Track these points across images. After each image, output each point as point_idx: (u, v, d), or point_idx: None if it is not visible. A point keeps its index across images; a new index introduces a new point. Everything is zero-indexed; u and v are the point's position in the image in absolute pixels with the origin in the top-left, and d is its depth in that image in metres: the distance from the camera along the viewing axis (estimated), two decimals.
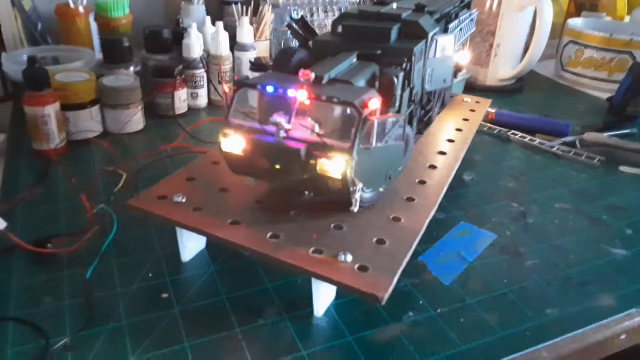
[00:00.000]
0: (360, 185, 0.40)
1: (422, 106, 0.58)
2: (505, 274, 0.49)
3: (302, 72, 0.39)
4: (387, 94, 0.46)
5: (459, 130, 0.66)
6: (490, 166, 0.70)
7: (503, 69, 0.95)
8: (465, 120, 0.69)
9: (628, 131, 0.81)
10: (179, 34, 0.81)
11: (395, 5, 0.58)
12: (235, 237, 0.42)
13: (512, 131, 0.79)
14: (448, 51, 0.56)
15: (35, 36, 0.86)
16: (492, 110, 0.82)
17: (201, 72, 0.79)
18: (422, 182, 0.53)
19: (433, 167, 0.56)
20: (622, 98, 0.87)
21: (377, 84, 0.46)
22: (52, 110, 0.63)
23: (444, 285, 0.47)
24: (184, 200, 0.46)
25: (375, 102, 0.38)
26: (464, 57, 0.73)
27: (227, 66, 0.82)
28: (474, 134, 0.66)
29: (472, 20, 0.69)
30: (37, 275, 0.46)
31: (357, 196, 0.42)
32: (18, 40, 0.82)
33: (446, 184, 0.53)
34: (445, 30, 0.57)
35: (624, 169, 0.70)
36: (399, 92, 0.47)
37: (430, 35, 0.53)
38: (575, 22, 1.04)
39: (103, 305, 0.43)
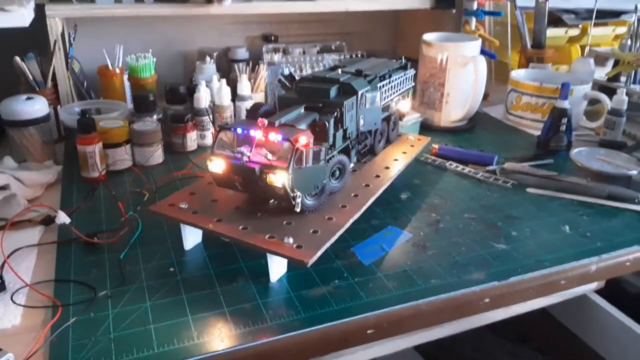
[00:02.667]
0: (298, 193, 0.62)
1: (358, 141, 0.80)
2: (410, 259, 0.70)
3: (259, 120, 0.62)
4: (322, 133, 0.68)
5: (396, 160, 0.87)
6: (425, 188, 0.91)
7: (454, 112, 1.17)
8: (404, 152, 0.91)
9: (545, 161, 1.01)
10: (192, 89, 1.06)
11: (340, 71, 0.81)
12: (218, 228, 0.64)
13: (450, 162, 1.00)
14: (375, 103, 0.78)
15: (82, 92, 1.12)
16: (436, 146, 1.04)
17: (207, 118, 1.03)
18: (356, 195, 0.74)
19: (367, 185, 0.77)
20: (545, 135, 1.07)
21: (316, 127, 0.69)
22: (96, 148, 0.86)
23: (364, 265, 0.68)
24: (186, 206, 0.69)
25: (304, 138, 0.61)
26: (405, 105, 0.95)
27: (227, 113, 1.06)
28: (410, 163, 0.88)
29: (407, 78, 0.92)
30: (88, 256, 0.68)
31: (298, 200, 0.64)
32: (70, 95, 1.07)
33: (373, 196, 0.74)
34: (375, 89, 0.80)
35: (530, 190, 0.90)
36: (331, 132, 0.69)
37: (360, 92, 0.75)
38: (517, 73, 1.25)
39: (131, 274, 0.65)
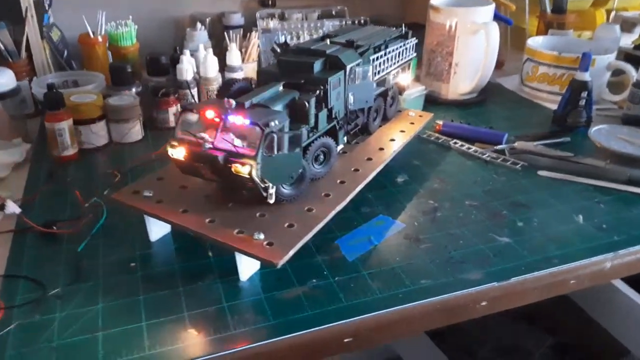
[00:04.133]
0: (270, 183, 0.55)
1: (347, 121, 0.71)
2: (400, 254, 0.62)
3: (225, 101, 0.54)
4: (301, 114, 0.60)
5: (392, 140, 0.79)
6: (424, 170, 0.82)
7: (462, 84, 1.07)
8: (402, 131, 0.82)
9: (561, 140, 0.92)
10: (176, 59, 0.98)
11: (328, 42, 0.72)
12: (182, 221, 0.57)
13: (454, 140, 0.91)
14: (367, 78, 0.69)
15: (61, 63, 1.05)
16: (440, 122, 0.95)
17: (190, 92, 0.95)
18: (342, 182, 0.67)
19: (356, 170, 0.70)
20: (562, 110, 0.98)
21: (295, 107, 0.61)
22: (65, 125, 0.80)
23: (348, 261, 0.61)
24: (151, 194, 0.62)
25: (276, 122, 0.53)
26: (405, 79, 0.86)
27: (214, 85, 0.98)
28: (408, 143, 0.79)
29: (406, 48, 0.82)
30: (43, 248, 0.62)
31: (271, 191, 0.57)
32: (46, 66, 1.00)
33: (361, 183, 0.66)
34: (367, 62, 0.71)
35: (541, 172, 0.81)
36: (312, 113, 0.61)
37: (349, 66, 0.67)
38: (534, 41, 1.14)
39: (88, 270, 0.59)
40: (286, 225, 0.57)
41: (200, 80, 0.98)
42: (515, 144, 0.88)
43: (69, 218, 0.67)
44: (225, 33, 1.09)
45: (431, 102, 1.09)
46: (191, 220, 0.57)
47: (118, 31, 1.00)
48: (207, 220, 0.57)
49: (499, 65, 1.33)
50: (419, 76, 1.14)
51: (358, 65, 0.69)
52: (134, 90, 0.92)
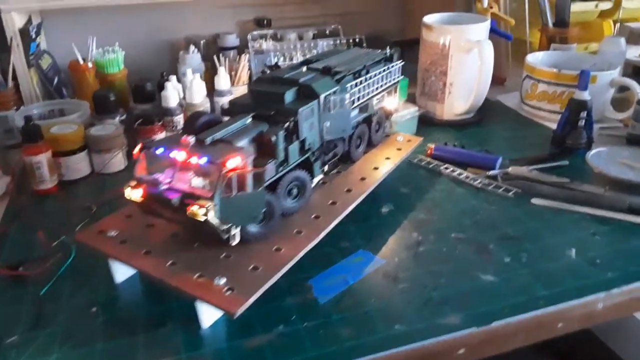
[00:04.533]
0: (230, 225, 0.52)
1: (324, 151, 0.68)
2: (376, 294, 0.59)
3: (182, 138, 0.52)
4: (268, 148, 0.57)
5: (375, 168, 0.76)
6: (412, 198, 0.79)
7: (457, 104, 1.04)
8: (388, 158, 0.79)
9: (559, 163, 0.87)
10: (163, 86, 0.96)
11: (304, 68, 0.70)
12: (141, 264, 0.55)
13: (446, 165, 0.87)
14: (345, 106, 0.67)
15: (50, 91, 1.04)
16: (432, 145, 0.91)
17: (178, 118, 0.94)
18: (317, 217, 0.64)
19: (333, 203, 0.67)
20: (561, 131, 0.93)
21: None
22: (43, 158, 0.78)
23: (320, 303, 0.58)
24: (115, 234, 0.60)
25: (236, 160, 0.50)
26: (391, 102, 0.83)
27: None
28: (393, 170, 0.76)
29: (391, 71, 0.79)
30: (7, 291, 0.60)
31: (234, 232, 0.54)
32: (34, 95, 1.00)
33: (336, 218, 0.63)
34: (344, 89, 0.68)
35: (535, 201, 0.77)
36: (281, 146, 0.58)
37: (323, 95, 0.64)
38: (534, 57, 1.10)
39: (48, 315, 0.56)
40: (251, 267, 0.54)
41: (186, 106, 0.96)
42: (509, 169, 0.84)
43: (38, 257, 0.66)
44: (215, 56, 1.08)
45: (426, 123, 1.06)
46: (152, 264, 0.55)
47: (105, 58, 0.99)
48: (168, 263, 0.55)
49: (500, 81, 1.30)
50: (414, 96, 1.11)
51: (334, 93, 0.66)
52: (117, 118, 0.90)
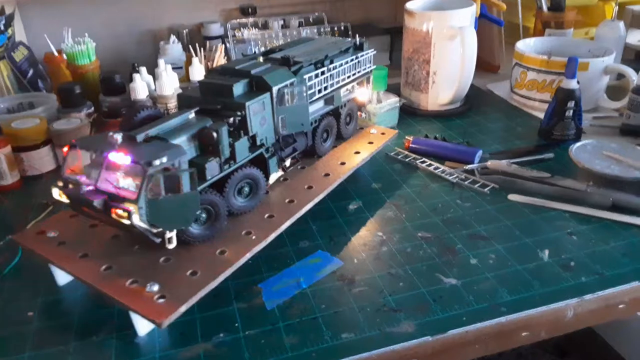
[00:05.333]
0: (161, 229, 0.49)
1: (282, 147, 0.65)
2: (328, 300, 0.55)
3: (109, 135, 0.48)
4: (209, 145, 0.54)
5: (342, 163, 0.72)
6: (383, 195, 0.75)
7: (442, 94, 0.99)
8: (357, 153, 0.75)
9: (543, 156, 0.82)
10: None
11: (261, 59, 0.66)
12: (75, 268, 0.52)
13: (423, 159, 0.83)
14: (303, 99, 0.63)
15: (24, 83, 1.02)
16: (410, 138, 0.87)
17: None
18: (271, 216, 0.60)
19: (291, 201, 0.63)
20: (548, 122, 0.88)
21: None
22: (1, 154, 0.76)
23: (266, 309, 0.55)
24: (55, 235, 0.57)
25: (162, 160, 0.47)
26: (363, 93, 0.78)
27: (172, 104, 0.93)
28: (362, 165, 0.72)
29: (360, 60, 0.75)
30: None
31: (170, 234, 0.51)
32: (4, 88, 0.97)
33: (291, 218, 0.60)
34: (302, 81, 0.64)
35: (512, 197, 0.73)
36: (224, 143, 0.54)
37: (276, 88, 0.60)
38: (524, 44, 1.05)
39: None
40: (189, 272, 0.51)
41: (157, 99, 0.93)
42: (488, 163, 0.79)
43: None
44: (190, 46, 1.04)
45: (410, 113, 1.01)
46: (86, 268, 0.52)
47: (74, 50, 0.96)
48: (103, 267, 0.52)
49: (494, 69, 1.24)
50: (399, 86, 1.06)
51: (291, 85, 0.62)
52: (84, 112, 0.88)
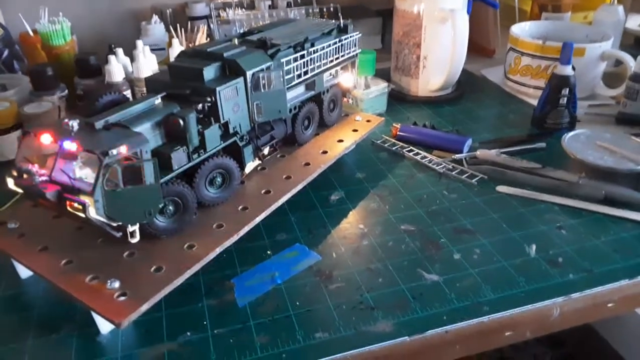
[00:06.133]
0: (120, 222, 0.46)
1: (257, 135, 0.61)
2: (303, 296, 0.53)
3: (64, 122, 0.45)
4: (175, 133, 0.50)
5: (324, 152, 0.69)
6: (366, 185, 0.72)
7: (433, 80, 0.95)
8: (340, 141, 0.72)
9: (535, 146, 0.79)
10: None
11: (236, 41, 0.62)
12: (32, 262, 0.49)
13: (410, 147, 0.80)
14: (277, 85, 0.59)
15: None
16: (398, 125, 0.83)
17: (127, 94, 0.87)
18: (244, 208, 0.57)
19: (267, 192, 0.60)
20: (541, 110, 0.85)
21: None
22: None
23: (238, 306, 0.52)
24: (16, 226, 0.54)
25: (120, 149, 0.43)
26: (347, 79, 0.75)
27: None
28: (343, 155, 0.69)
29: (344, 44, 0.71)
30: None
31: (133, 228, 0.48)
32: None
33: (265, 210, 0.57)
34: (280, 65, 0.60)
35: (500, 188, 0.70)
36: (192, 131, 0.51)
37: (250, 72, 0.57)
38: (519, 28, 1.01)
39: None
40: (153, 268, 0.48)
41: (134, 82, 0.89)
42: (477, 153, 0.76)
43: None
44: (171, 26, 1.00)
45: (400, 99, 0.98)
46: (44, 262, 0.49)
47: (48, 29, 0.92)
48: (63, 262, 0.49)
49: (490, 53, 1.20)
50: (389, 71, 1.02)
51: (267, 69, 0.59)
52: (57, 95, 0.84)
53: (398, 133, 0.83)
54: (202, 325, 0.50)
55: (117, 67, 0.85)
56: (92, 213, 0.43)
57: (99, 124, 0.47)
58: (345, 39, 0.71)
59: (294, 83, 0.63)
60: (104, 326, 0.48)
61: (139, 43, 0.92)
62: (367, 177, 0.74)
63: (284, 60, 0.60)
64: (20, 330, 0.49)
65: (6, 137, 0.77)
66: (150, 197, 0.46)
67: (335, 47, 0.70)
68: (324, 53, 0.68)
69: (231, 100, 0.55)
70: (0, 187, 0.72)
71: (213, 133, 0.54)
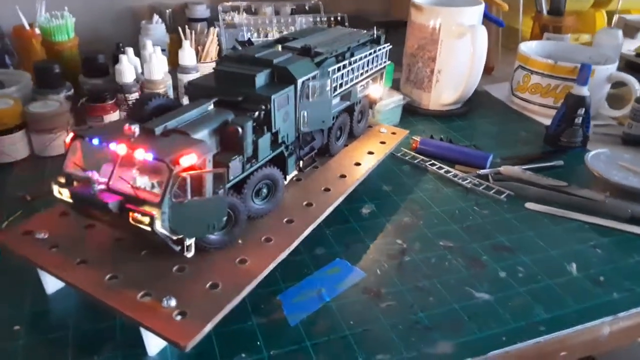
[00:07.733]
0: (181, 236, 0.43)
1: (300, 145, 0.59)
2: (356, 315, 0.51)
3: (126, 127, 0.42)
4: (232, 142, 0.48)
5: (357, 164, 0.67)
6: (395, 198, 0.71)
7: (445, 94, 0.95)
8: (371, 153, 0.70)
9: (554, 163, 0.80)
10: (117, 58, 0.85)
11: (280, 47, 0.60)
12: (73, 277, 0.45)
13: (432, 161, 0.79)
14: (325, 94, 0.57)
15: None
16: (418, 138, 0.83)
17: (134, 96, 0.83)
18: (290, 221, 0.55)
19: (309, 204, 0.58)
20: (556, 128, 0.86)
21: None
22: None
23: (290, 325, 0.49)
24: (46, 237, 0.50)
25: (190, 157, 0.41)
26: (376, 90, 0.74)
27: (161, 89, 0.85)
28: (376, 167, 0.68)
29: (378, 55, 0.70)
30: None
31: (190, 242, 0.45)
32: None
33: (312, 223, 0.55)
34: (325, 74, 0.59)
35: (529, 205, 0.70)
36: (248, 140, 0.49)
37: (301, 80, 0.55)
38: (527, 47, 1.03)
39: None
40: (209, 285, 0.45)
41: (145, 83, 0.85)
42: (501, 169, 0.76)
43: None
44: (180, 28, 0.96)
45: (410, 112, 0.98)
46: (86, 277, 0.45)
47: (51, 24, 0.87)
48: (107, 276, 0.45)
49: (488, 70, 1.22)
50: (398, 83, 1.02)
51: (314, 77, 0.57)
52: (63, 94, 0.79)
53: (418, 146, 0.82)
54: (255, 345, 0.47)
55: (128, 68, 0.81)
56: (158, 226, 0.40)
57: (159, 130, 0.43)
58: (378, 50, 0.70)
59: (336, 93, 0.62)
60: (153, 347, 0.45)
61: (149, 43, 0.89)
62: (394, 190, 0.73)
63: (330, 69, 0.59)
64: (58, 353, 0.45)
65: (9, 137, 0.72)
66: (216, 209, 0.43)
67: (370, 58, 0.69)
68: (361, 63, 0.66)
69: (282, 109, 0.53)
70: (6, 191, 0.68)
71: (265, 142, 0.52)
